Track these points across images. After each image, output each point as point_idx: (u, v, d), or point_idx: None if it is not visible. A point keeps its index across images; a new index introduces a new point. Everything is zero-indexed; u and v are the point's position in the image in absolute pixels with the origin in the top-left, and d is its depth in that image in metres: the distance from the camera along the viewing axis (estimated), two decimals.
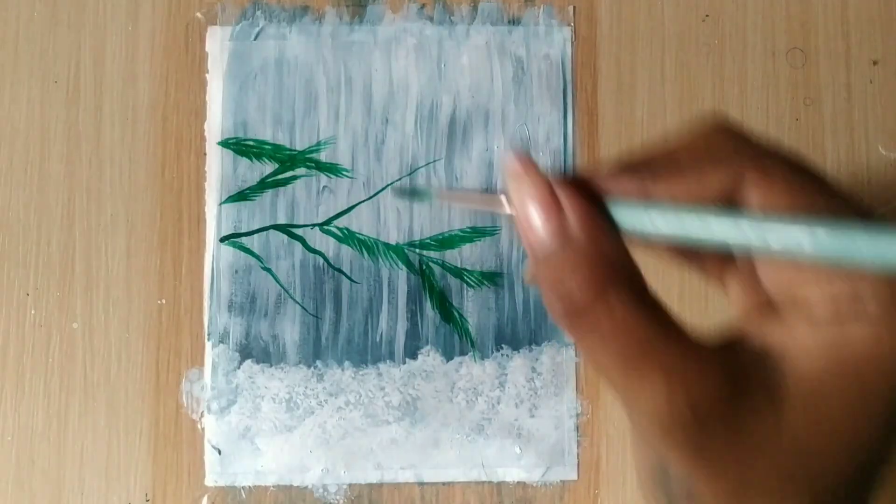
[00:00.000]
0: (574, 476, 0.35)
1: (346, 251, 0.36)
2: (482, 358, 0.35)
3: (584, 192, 0.21)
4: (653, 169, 0.20)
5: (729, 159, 0.20)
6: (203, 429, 0.35)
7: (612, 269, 0.20)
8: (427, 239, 0.36)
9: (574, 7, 0.37)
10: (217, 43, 0.37)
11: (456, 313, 0.36)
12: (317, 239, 0.36)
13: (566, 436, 0.35)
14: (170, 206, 0.36)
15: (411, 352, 0.35)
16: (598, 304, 0.20)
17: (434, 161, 0.36)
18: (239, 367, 0.35)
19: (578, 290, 0.20)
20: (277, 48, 0.37)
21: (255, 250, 0.36)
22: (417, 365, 0.35)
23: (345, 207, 0.36)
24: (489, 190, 0.36)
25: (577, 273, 0.20)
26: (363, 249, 0.36)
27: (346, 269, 0.36)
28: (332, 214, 0.36)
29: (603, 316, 0.20)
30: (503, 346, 0.35)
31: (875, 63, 0.37)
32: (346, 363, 0.35)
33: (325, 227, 0.36)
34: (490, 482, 0.35)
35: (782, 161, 0.20)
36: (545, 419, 0.35)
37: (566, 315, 0.20)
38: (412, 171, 0.36)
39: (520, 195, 0.21)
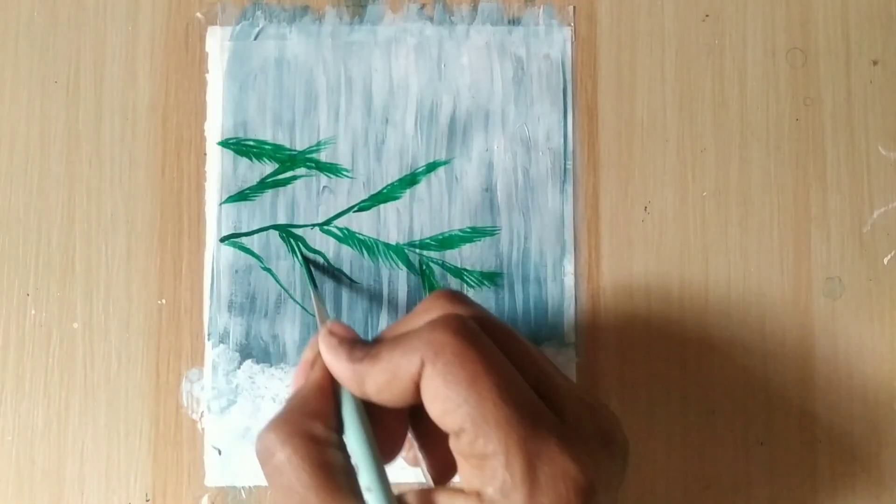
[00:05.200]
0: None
1: (346, 251, 0.36)
2: None
3: (325, 373, 0.26)
4: (375, 351, 0.25)
5: (415, 344, 0.24)
6: (203, 429, 0.35)
7: (295, 430, 0.24)
8: (427, 239, 0.36)
9: (574, 7, 0.37)
10: (217, 43, 0.37)
11: None
12: (317, 239, 0.36)
13: None
14: (170, 206, 0.36)
15: None
16: (279, 454, 0.23)
17: (435, 161, 0.36)
18: (239, 367, 0.35)
19: (271, 436, 0.24)
20: (277, 48, 0.37)
21: (255, 250, 0.36)
22: None
23: (345, 207, 0.36)
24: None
25: (276, 420, 0.24)
26: (363, 249, 0.36)
27: (346, 269, 0.36)
28: (332, 214, 0.36)
29: (279, 465, 0.23)
30: None
31: (875, 63, 0.37)
32: None
33: (325, 227, 0.36)
34: None
35: (450, 349, 0.23)
36: None
37: (257, 452, 0.24)
38: (412, 171, 0.36)
39: (305, 352, 0.28)
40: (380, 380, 0.24)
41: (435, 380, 0.23)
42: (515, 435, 0.22)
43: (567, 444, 0.23)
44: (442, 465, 0.27)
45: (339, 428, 0.25)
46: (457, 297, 0.27)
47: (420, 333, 0.24)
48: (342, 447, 0.25)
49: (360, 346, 0.26)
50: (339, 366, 0.25)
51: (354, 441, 0.25)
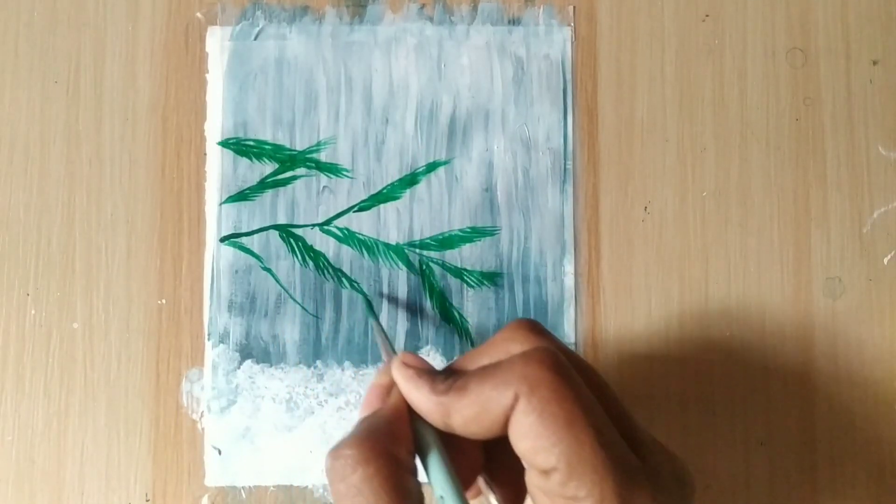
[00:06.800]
0: None
1: (346, 251, 0.36)
2: None
3: (400, 407, 0.25)
4: (462, 383, 0.24)
5: (507, 378, 0.23)
6: (203, 429, 0.35)
7: (380, 451, 0.23)
8: (427, 239, 0.36)
9: (574, 7, 0.37)
10: (217, 43, 0.37)
11: (456, 313, 0.36)
12: (317, 239, 0.36)
13: None
14: (170, 206, 0.36)
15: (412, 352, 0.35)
16: (359, 472, 0.23)
17: (435, 161, 0.36)
18: (239, 367, 0.35)
19: (352, 453, 0.23)
20: (277, 48, 0.37)
21: (255, 250, 0.36)
22: None
23: (345, 207, 0.36)
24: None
25: (356, 438, 0.24)
26: (363, 249, 0.36)
27: (346, 269, 0.36)
28: (332, 214, 0.36)
29: (357, 484, 0.23)
30: None
31: (875, 63, 0.37)
32: (346, 363, 0.35)
33: (325, 227, 0.36)
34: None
35: (546, 385, 0.23)
36: None
37: (330, 468, 0.24)
38: (412, 171, 0.36)
39: (377, 377, 0.27)
40: (468, 413, 0.24)
41: (529, 416, 0.22)
42: (610, 481, 0.22)
43: (654, 492, 0.22)
44: (513, 497, 0.26)
45: (415, 456, 0.25)
46: (538, 328, 0.26)
47: (513, 367, 0.23)
48: (417, 476, 0.24)
49: (441, 377, 0.25)
50: (422, 398, 0.25)
51: (438, 472, 0.24)
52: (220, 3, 0.37)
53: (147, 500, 0.34)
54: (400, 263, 0.36)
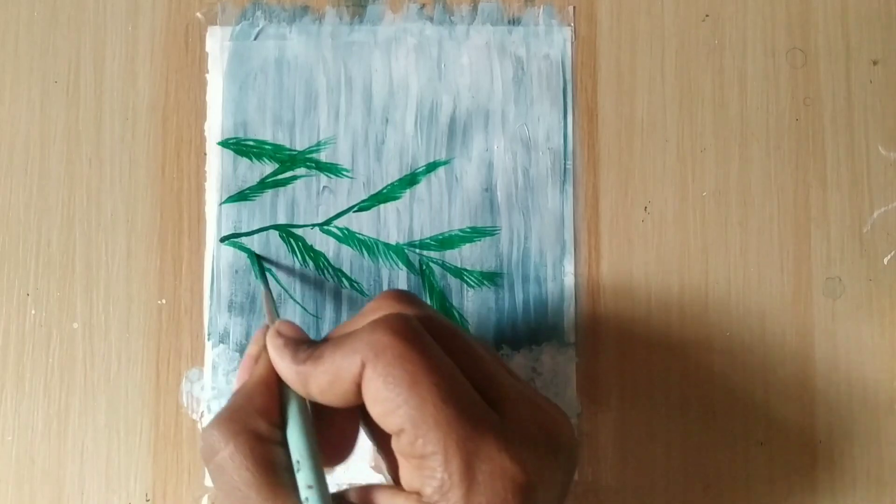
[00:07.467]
0: (574, 476, 0.35)
1: (346, 251, 0.36)
2: None
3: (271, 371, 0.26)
4: (319, 352, 0.25)
5: (356, 345, 0.24)
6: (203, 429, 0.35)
7: (238, 427, 0.24)
8: (427, 239, 0.36)
9: (574, 7, 0.37)
10: (217, 43, 0.37)
11: (456, 313, 0.36)
12: (317, 239, 0.36)
13: None
14: (170, 206, 0.36)
15: None
16: (221, 452, 0.24)
17: (435, 161, 0.36)
18: (239, 367, 0.35)
19: (215, 433, 0.24)
20: (277, 48, 0.37)
21: (256, 250, 0.36)
22: None
23: (345, 207, 0.36)
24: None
25: (217, 417, 0.24)
26: (363, 249, 0.36)
27: (346, 269, 0.36)
28: (332, 214, 0.36)
29: (222, 462, 0.23)
30: (503, 346, 0.35)
31: (875, 63, 0.37)
32: None
33: (325, 227, 0.36)
34: None
35: (391, 349, 0.23)
36: None
37: (201, 449, 0.24)
38: (412, 171, 0.36)
39: (249, 346, 0.28)
40: (322, 381, 0.24)
41: (375, 381, 0.23)
42: (454, 435, 0.22)
43: (505, 443, 0.23)
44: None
45: (282, 425, 0.25)
46: (404, 296, 0.27)
47: (361, 334, 0.24)
48: (285, 444, 0.24)
49: (305, 346, 0.25)
50: (285, 367, 0.25)
51: (296, 439, 0.24)
52: (220, 3, 0.37)
53: (147, 500, 0.34)
54: (400, 263, 0.36)
